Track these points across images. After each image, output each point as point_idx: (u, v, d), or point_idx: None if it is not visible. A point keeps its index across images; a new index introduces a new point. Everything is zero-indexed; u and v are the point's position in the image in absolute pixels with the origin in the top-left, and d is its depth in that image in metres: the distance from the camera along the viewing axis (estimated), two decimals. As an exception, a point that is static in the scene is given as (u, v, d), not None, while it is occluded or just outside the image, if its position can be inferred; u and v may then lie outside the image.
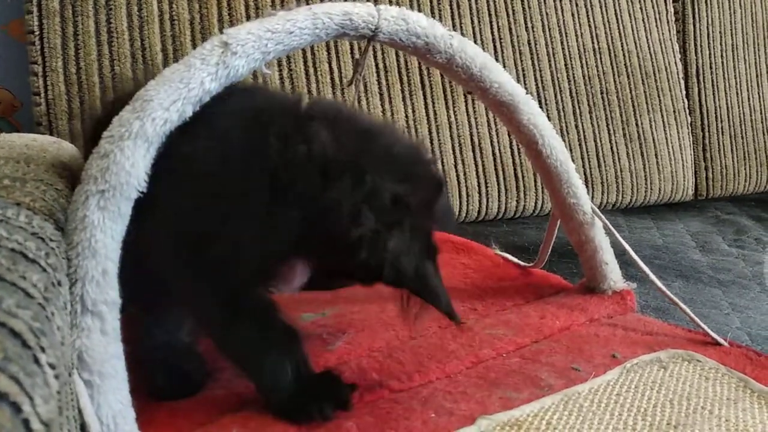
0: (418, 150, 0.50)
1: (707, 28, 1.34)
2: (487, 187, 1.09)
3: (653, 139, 1.24)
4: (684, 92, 1.31)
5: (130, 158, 0.41)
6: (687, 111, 1.31)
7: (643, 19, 1.27)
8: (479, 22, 1.12)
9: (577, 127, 1.18)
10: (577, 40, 1.20)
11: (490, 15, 1.13)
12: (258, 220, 0.44)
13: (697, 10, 1.33)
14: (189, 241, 0.45)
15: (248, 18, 0.97)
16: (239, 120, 0.47)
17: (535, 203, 1.13)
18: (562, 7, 1.19)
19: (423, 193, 0.47)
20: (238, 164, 0.45)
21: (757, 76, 1.38)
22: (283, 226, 0.44)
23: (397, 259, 0.44)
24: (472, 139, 1.09)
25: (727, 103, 1.35)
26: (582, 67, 1.19)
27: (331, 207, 0.43)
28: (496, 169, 1.10)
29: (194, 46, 0.90)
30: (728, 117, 1.35)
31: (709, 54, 1.34)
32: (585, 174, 1.17)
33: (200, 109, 0.45)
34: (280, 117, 0.46)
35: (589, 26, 1.21)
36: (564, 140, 1.16)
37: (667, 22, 1.30)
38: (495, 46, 1.12)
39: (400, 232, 0.44)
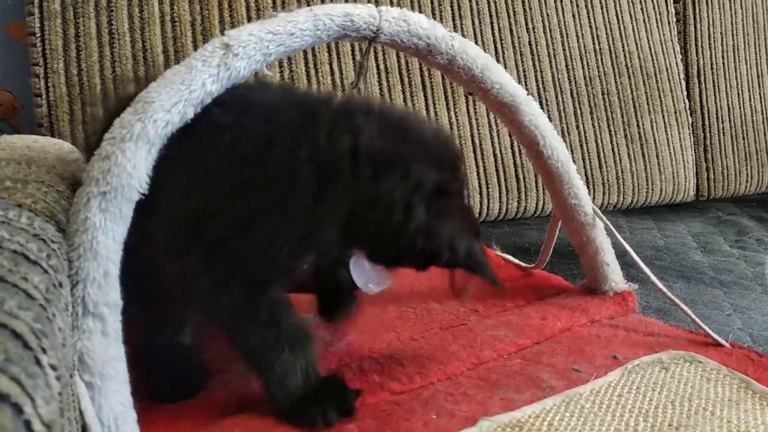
0: (441, 133, 0.52)
1: (708, 28, 1.34)
2: (488, 187, 1.09)
3: (654, 140, 1.24)
4: (685, 93, 1.31)
5: (131, 160, 0.41)
6: (688, 112, 1.31)
7: (644, 20, 1.27)
8: (480, 23, 1.12)
9: (578, 128, 1.18)
10: (578, 41, 1.20)
11: (491, 16, 1.13)
12: (303, 212, 0.45)
13: (698, 11, 1.33)
14: (218, 233, 0.45)
15: (249, 20, 0.97)
16: (281, 113, 0.48)
17: (536, 204, 1.13)
18: (563, 8, 1.19)
19: (457, 175, 0.50)
20: (285, 157, 0.45)
21: (758, 76, 1.38)
22: (331, 216, 0.45)
23: (451, 243, 0.47)
24: (473, 140, 1.09)
25: (728, 104, 1.35)
26: (583, 68, 1.19)
27: (384, 200, 0.45)
28: (497, 170, 1.10)
29: (195, 48, 0.90)
30: (729, 117, 1.35)
31: (710, 55, 1.34)
32: (586, 175, 1.17)
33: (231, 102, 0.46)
34: (323, 111, 0.48)
35: (590, 27, 1.21)
36: (565, 141, 1.15)
37: (668, 22, 1.30)
38: (496, 47, 1.12)
39: (450, 217, 0.47)
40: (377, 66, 1.04)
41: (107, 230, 0.40)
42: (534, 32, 1.16)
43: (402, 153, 0.46)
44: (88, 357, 0.38)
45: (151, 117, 0.42)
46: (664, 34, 1.29)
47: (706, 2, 1.34)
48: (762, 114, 1.38)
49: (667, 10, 1.30)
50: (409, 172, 0.46)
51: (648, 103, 1.24)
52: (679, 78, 1.30)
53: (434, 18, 0.73)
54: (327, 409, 0.46)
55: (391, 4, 1.05)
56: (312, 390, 0.47)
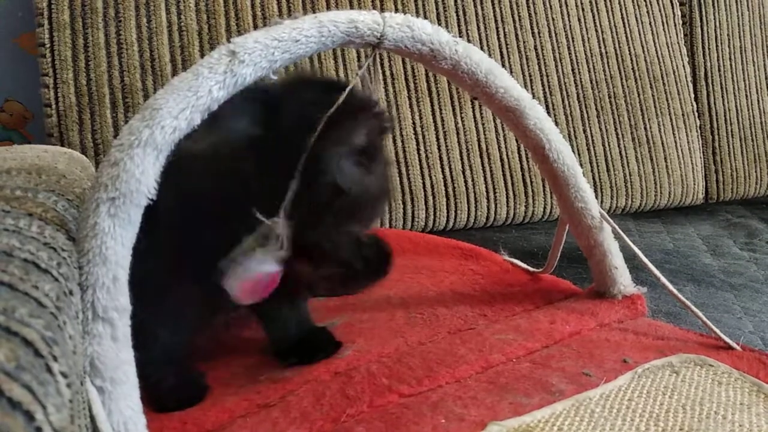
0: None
1: (715, 30, 1.34)
2: (495, 192, 1.09)
3: (662, 143, 1.24)
4: (692, 95, 1.30)
5: (139, 166, 0.41)
6: (696, 114, 1.30)
7: (650, 23, 1.27)
8: (485, 28, 1.12)
9: (585, 131, 1.18)
10: (583, 45, 1.20)
11: (496, 21, 1.13)
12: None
13: (704, 13, 1.33)
14: None
15: (256, 28, 0.97)
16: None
17: (544, 208, 1.12)
18: (568, 12, 1.19)
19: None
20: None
21: (766, 78, 1.37)
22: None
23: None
24: (479, 145, 1.09)
25: (736, 106, 1.34)
26: (589, 71, 1.19)
27: None
28: (504, 175, 1.10)
29: (203, 56, 0.91)
30: (738, 120, 1.34)
31: (717, 57, 1.34)
32: (594, 178, 1.17)
33: None
34: None
35: (596, 30, 1.21)
36: (572, 145, 1.15)
37: (675, 25, 1.30)
38: (501, 52, 1.13)
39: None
40: (383, 72, 1.05)
41: (116, 235, 0.40)
42: (539, 37, 1.16)
43: None
44: (99, 362, 0.38)
45: (159, 123, 0.42)
46: (670, 37, 1.29)
47: (713, 4, 1.34)
48: (770, 115, 1.37)
49: (674, 13, 1.30)
50: None
51: (655, 106, 1.24)
52: (687, 80, 1.29)
53: (440, 24, 0.73)
54: (315, 353, 0.57)
55: (396, 10, 1.05)
56: (304, 336, 0.58)
